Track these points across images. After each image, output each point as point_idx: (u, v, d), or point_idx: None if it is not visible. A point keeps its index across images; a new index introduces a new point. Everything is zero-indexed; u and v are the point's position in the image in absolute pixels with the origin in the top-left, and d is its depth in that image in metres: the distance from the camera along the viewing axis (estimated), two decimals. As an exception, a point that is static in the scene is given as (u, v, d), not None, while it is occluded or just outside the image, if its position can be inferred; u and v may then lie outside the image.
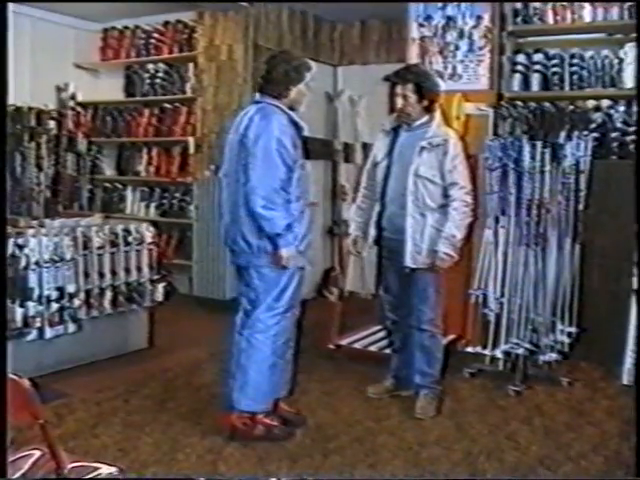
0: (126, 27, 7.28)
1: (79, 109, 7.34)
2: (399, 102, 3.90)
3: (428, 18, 5.34)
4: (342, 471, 3.25)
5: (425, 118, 3.94)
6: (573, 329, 4.52)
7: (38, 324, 4.31)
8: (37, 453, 2.04)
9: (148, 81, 7.14)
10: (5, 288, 3.74)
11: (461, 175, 3.89)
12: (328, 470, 3.26)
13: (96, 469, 2.00)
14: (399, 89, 3.90)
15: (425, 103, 3.91)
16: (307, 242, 3.55)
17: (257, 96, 3.58)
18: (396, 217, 3.96)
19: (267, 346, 3.52)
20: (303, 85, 3.52)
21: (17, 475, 1.93)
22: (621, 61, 4.93)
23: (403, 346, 4.21)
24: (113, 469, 2.04)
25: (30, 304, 4.27)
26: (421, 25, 5.37)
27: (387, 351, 4.84)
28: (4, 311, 3.42)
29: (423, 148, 3.87)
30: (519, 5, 5.10)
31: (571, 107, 5.00)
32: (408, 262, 3.91)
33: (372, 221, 4.08)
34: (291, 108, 3.52)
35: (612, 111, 4.93)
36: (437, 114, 4.00)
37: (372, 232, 4.09)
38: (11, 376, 1.79)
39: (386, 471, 3.27)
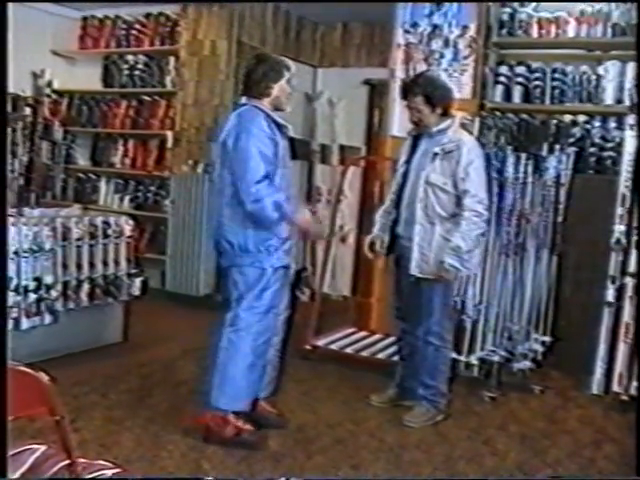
0: (106, 16, 7.16)
1: (55, 97, 7.24)
2: (414, 115, 3.85)
3: (414, 25, 5.39)
4: (326, 472, 3.28)
5: (444, 124, 3.83)
6: (547, 338, 4.63)
7: (15, 314, 4.24)
8: (41, 448, 2.02)
9: (127, 72, 7.04)
10: (5, 283, 3.69)
11: (474, 183, 3.76)
12: (312, 470, 3.29)
13: (101, 468, 1.98)
14: (410, 102, 3.85)
15: (439, 111, 3.82)
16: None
17: (242, 99, 3.60)
18: (408, 224, 3.90)
19: (247, 344, 3.51)
20: (284, 82, 3.53)
21: (22, 470, 1.91)
22: (599, 77, 5.03)
23: (409, 356, 4.11)
24: (117, 469, 2.02)
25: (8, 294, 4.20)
26: (407, 31, 5.42)
27: (364, 354, 4.91)
28: (4, 306, 3.37)
29: (436, 155, 3.78)
30: (505, 17, 5.17)
31: (554, 121, 5.09)
32: (413, 270, 3.83)
33: (387, 226, 4.04)
34: (276, 108, 3.54)
35: (589, 126, 5.05)
36: (456, 119, 3.89)
37: (386, 237, 4.05)
38: (28, 370, 1.77)
39: (369, 473, 3.31)
